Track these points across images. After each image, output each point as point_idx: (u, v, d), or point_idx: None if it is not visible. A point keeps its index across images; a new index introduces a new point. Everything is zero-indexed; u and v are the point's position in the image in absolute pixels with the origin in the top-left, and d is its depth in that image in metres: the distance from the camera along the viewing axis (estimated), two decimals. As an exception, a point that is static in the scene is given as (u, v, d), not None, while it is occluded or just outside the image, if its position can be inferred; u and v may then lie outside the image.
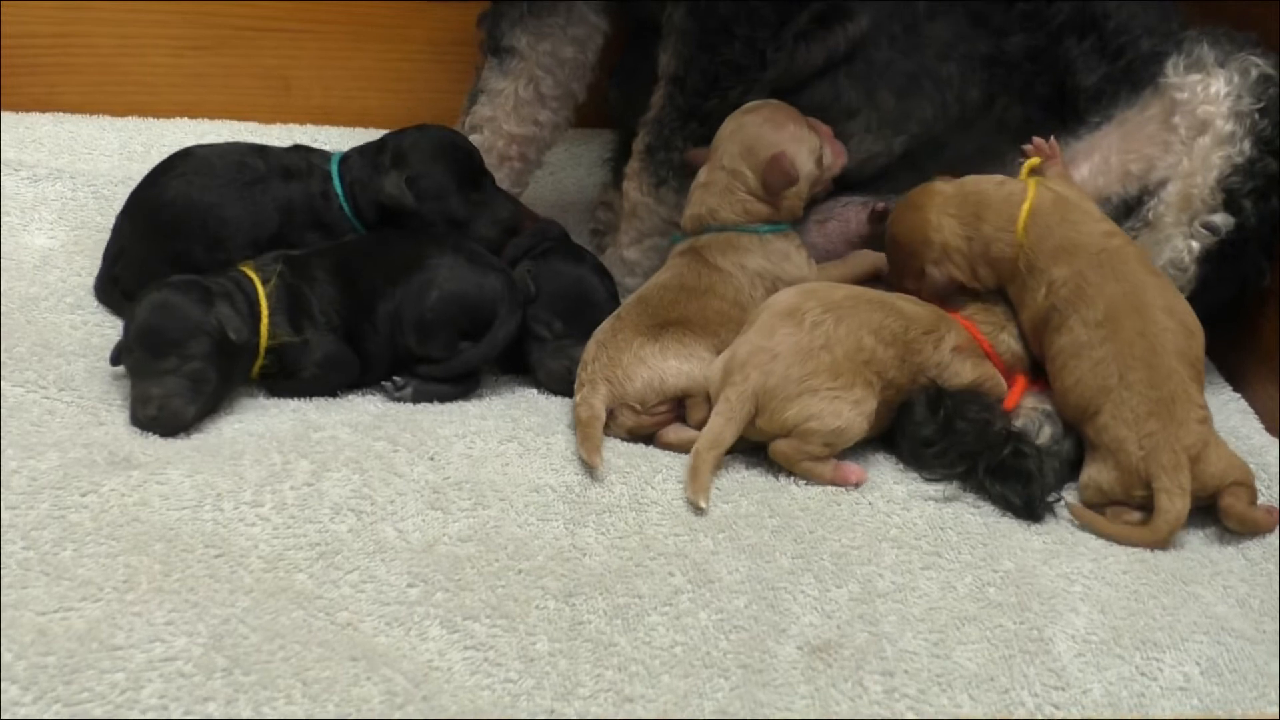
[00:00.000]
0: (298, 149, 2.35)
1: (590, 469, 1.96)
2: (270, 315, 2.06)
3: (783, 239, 2.22)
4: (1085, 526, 1.96)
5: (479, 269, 2.14)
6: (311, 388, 2.10)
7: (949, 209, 2.15)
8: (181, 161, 2.29)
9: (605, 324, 2.14)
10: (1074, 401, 2.04)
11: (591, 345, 2.11)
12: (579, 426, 2.02)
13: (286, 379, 2.10)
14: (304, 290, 2.11)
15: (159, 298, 2.01)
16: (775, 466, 2.01)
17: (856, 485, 1.99)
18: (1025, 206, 2.11)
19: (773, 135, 2.21)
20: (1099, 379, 2.01)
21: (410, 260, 2.13)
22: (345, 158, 2.29)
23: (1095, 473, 1.99)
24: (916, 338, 2.06)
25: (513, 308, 2.14)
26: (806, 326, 2.01)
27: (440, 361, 2.12)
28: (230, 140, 2.43)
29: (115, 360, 2.03)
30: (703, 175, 2.24)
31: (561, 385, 2.15)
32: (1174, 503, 1.91)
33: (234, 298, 2.05)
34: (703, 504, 1.90)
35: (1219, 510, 1.96)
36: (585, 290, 2.21)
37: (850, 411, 1.99)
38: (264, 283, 2.08)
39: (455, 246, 2.16)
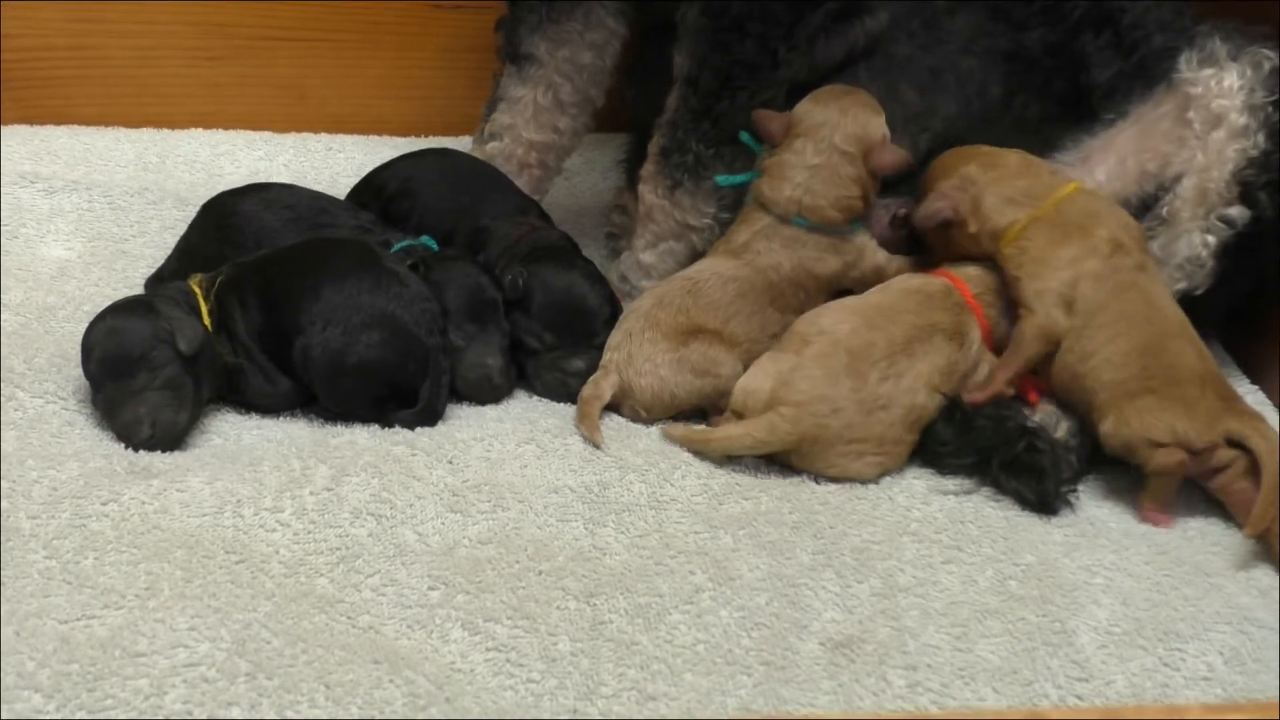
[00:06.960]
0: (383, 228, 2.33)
1: (593, 445, 1.99)
2: (214, 332, 2.02)
3: (866, 234, 2.21)
4: (1106, 518, 1.96)
5: (406, 332, 2.02)
6: (261, 409, 2.06)
7: (991, 160, 2.17)
8: (272, 188, 2.33)
9: (643, 303, 2.13)
10: (1113, 375, 2.03)
11: (618, 332, 2.11)
12: (579, 403, 2.05)
13: (242, 399, 2.06)
14: (234, 313, 2.04)
15: (106, 326, 1.97)
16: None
17: None
18: (1074, 185, 2.14)
19: (876, 119, 2.19)
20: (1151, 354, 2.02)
21: (335, 305, 2.02)
22: (410, 248, 2.22)
23: (1168, 419, 1.96)
24: (964, 358, 2.07)
25: (437, 380, 2.04)
26: (872, 381, 1.98)
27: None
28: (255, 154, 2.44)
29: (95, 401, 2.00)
30: (811, 154, 2.16)
31: (558, 396, 2.14)
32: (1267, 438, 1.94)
33: (180, 306, 2.01)
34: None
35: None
36: (575, 299, 2.15)
37: (877, 472, 1.99)
38: (204, 298, 2.04)
39: (390, 293, 2.04)
